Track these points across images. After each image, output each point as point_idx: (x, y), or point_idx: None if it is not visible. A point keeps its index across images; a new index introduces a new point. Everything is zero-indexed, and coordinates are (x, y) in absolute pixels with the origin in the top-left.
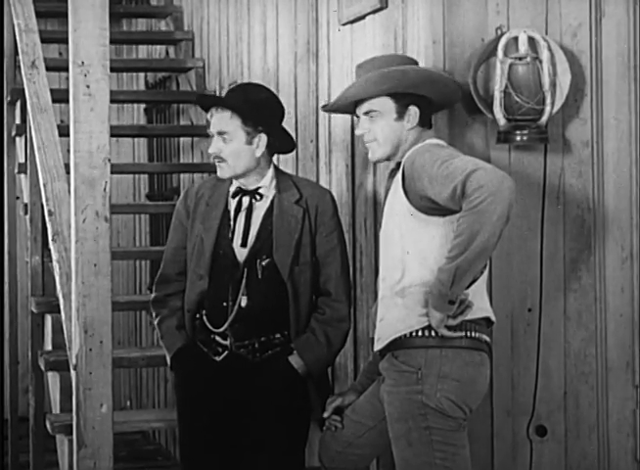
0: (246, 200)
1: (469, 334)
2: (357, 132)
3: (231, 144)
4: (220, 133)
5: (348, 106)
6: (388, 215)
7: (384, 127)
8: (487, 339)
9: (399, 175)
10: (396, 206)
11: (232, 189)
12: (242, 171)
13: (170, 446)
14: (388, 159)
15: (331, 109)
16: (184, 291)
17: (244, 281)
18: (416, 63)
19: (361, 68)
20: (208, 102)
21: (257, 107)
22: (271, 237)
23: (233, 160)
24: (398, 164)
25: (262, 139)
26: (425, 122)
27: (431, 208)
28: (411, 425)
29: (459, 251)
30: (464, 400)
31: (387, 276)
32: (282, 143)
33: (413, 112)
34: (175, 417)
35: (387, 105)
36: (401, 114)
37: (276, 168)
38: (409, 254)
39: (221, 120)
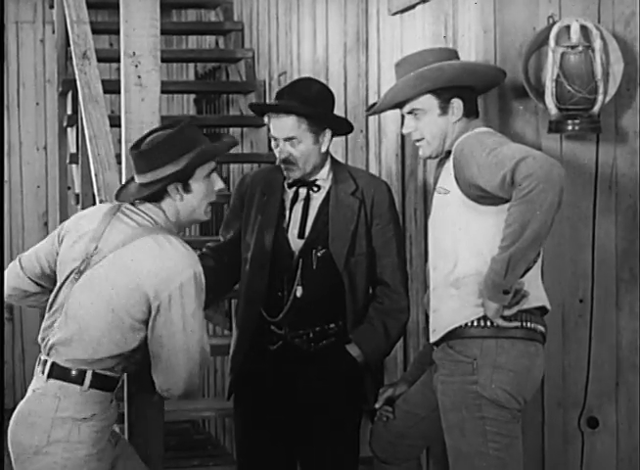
0: (303, 191)
1: (524, 324)
2: (404, 131)
3: (299, 147)
4: (288, 139)
5: (393, 105)
6: (438, 204)
7: (429, 124)
8: (543, 329)
9: (449, 164)
10: (448, 195)
11: (289, 180)
12: (310, 170)
13: (220, 436)
14: (438, 155)
15: (375, 112)
16: (219, 257)
17: (299, 271)
18: (456, 54)
19: (399, 66)
20: (268, 109)
21: (317, 104)
22: (327, 228)
23: (303, 162)
24: (447, 153)
25: (327, 135)
26: (470, 112)
27: (481, 196)
28: (465, 415)
29: (511, 240)
30: (519, 391)
31: (437, 265)
32: (340, 128)
33: (456, 104)
34: (225, 406)
35: (429, 102)
36: (445, 108)
37: (333, 159)
38: (461, 243)
39: (286, 126)
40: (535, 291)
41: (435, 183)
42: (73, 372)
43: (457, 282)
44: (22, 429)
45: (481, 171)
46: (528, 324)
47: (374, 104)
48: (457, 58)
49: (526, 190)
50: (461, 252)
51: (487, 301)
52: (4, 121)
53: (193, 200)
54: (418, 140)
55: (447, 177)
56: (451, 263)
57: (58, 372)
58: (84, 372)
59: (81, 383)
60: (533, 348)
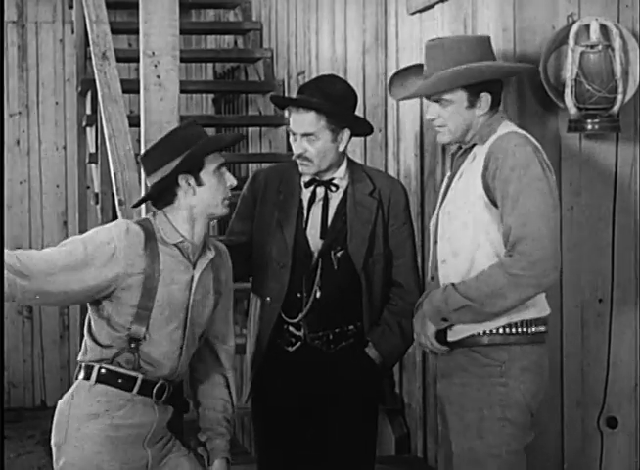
0: (320, 191)
1: (538, 328)
2: (427, 116)
3: (316, 144)
4: (306, 135)
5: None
6: (459, 199)
7: (455, 115)
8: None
9: (480, 158)
10: (471, 192)
11: (305, 179)
12: (326, 168)
13: (238, 434)
14: (457, 143)
15: (404, 98)
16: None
17: (318, 272)
18: (488, 41)
19: (431, 50)
20: (289, 103)
21: (339, 102)
22: (345, 228)
23: (319, 159)
24: (472, 145)
25: (346, 134)
26: (495, 105)
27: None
28: (486, 414)
29: (477, 295)
30: (538, 392)
31: (448, 259)
32: (359, 129)
33: (485, 98)
34: (243, 406)
35: (458, 95)
36: (473, 101)
37: (349, 159)
38: (480, 243)
39: (305, 121)
40: (540, 301)
41: (453, 174)
42: (83, 367)
43: None
44: (54, 429)
45: (503, 200)
46: (541, 328)
47: (394, 76)
48: (490, 47)
49: (520, 273)
50: (480, 253)
51: (427, 320)
52: (3, 121)
53: (205, 193)
54: (440, 126)
55: (476, 176)
56: (467, 263)
57: (78, 370)
58: (92, 367)
59: (89, 378)
60: (543, 349)
